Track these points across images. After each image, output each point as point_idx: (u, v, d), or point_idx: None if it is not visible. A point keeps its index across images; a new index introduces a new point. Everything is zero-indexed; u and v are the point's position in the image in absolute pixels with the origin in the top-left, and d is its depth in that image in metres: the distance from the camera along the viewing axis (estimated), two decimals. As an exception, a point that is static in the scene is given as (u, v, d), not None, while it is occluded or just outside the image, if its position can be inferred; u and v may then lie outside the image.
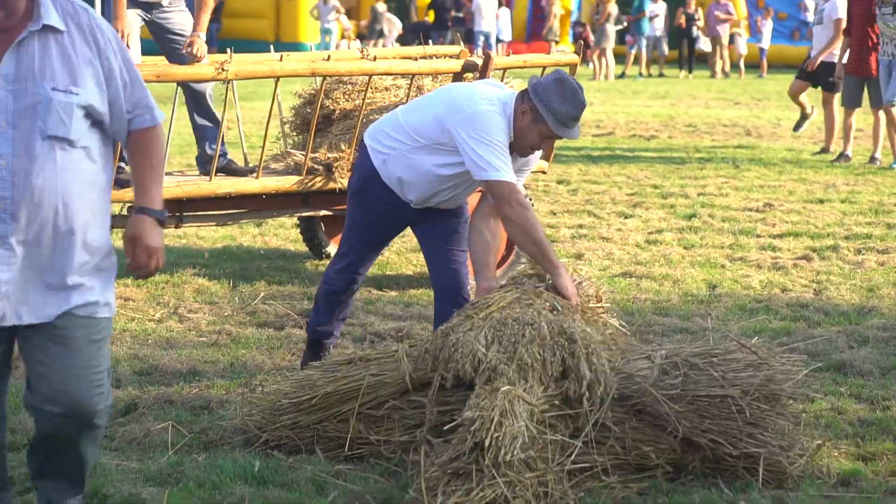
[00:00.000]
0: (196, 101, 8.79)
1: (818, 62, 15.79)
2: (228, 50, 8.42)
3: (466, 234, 6.29)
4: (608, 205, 12.30)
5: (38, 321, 4.23)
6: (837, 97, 15.73)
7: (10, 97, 4.09)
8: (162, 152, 4.41)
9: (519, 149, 6.05)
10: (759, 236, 10.75)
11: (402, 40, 32.83)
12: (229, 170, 8.72)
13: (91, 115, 4.21)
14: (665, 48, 33.74)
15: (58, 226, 4.16)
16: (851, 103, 15.37)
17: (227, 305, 8.26)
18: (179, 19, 8.81)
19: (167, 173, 8.55)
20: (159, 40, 8.87)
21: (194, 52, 8.50)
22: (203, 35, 8.63)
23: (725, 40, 32.99)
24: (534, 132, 5.97)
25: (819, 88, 16.11)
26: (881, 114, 15.00)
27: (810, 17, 15.45)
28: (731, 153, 16.34)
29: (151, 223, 4.36)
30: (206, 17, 8.67)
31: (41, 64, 4.12)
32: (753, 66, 33.72)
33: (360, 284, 6.58)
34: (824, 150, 16.12)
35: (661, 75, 32.93)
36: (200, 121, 8.83)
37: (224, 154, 8.75)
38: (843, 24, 15.47)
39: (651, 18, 32.97)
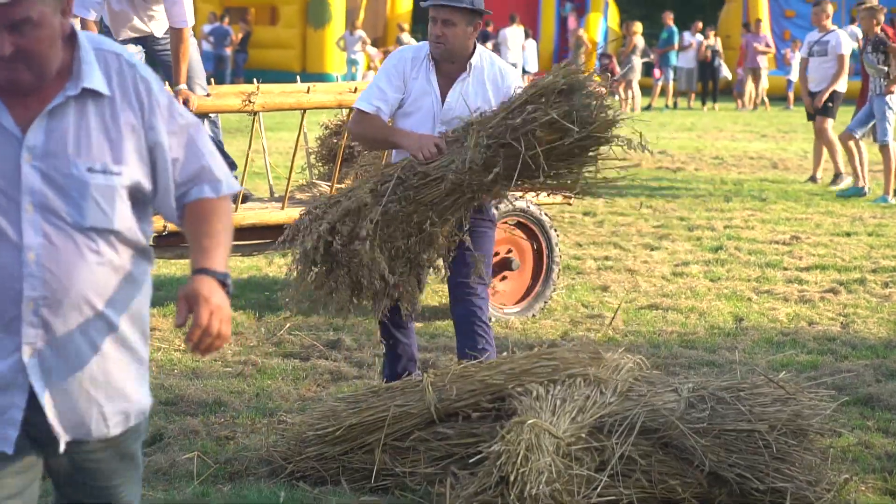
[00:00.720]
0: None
1: (825, 97, 15.77)
2: (255, 81, 8.46)
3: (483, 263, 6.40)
4: (634, 237, 12.28)
5: (92, 438, 3.38)
6: (830, 122, 15.86)
7: (36, 175, 3.22)
8: (225, 223, 3.48)
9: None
10: (785, 269, 10.71)
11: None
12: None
13: (137, 195, 3.37)
14: (694, 81, 33.75)
15: (97, 328, 3.32)
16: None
17: (253, 336, 8.27)
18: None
19: None
20: (164, 71, 8.87)
21: (191, 108, 8.23)
22: (184, 86, 8.46)
23: (764, 73, 32.95)
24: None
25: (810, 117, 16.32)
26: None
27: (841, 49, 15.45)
28: (757, 186, 16.31)
29: (212, 282, 3.38)
30: (185, 68, 8.50)
31: (76, 137, 3.27)
32: (779, 98, 33.66)
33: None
34: (812, 179, 16.39)
35: (688, 108, 32.90)
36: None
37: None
38: (847, 60, 15.52)
39: (685, 48, 32.88)
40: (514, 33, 34.55)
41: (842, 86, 15.84)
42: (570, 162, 6.18)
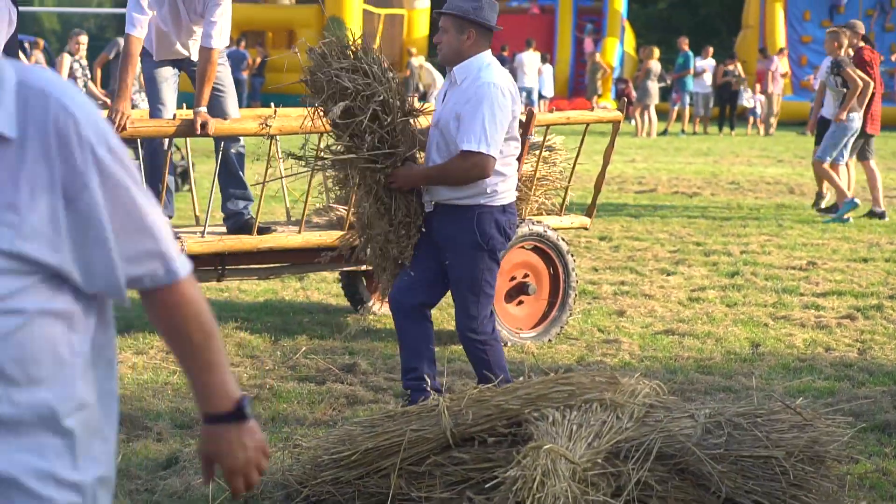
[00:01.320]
0: (225, 157, 8.77)
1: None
2: (272, 105, 8.47)
3: (461, 273, 6.79)
4: (650, 262, 12.26)
5: None
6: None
7: None
8: (201, 322, 2.71)
9: None
10: (802, 295, 10.69)
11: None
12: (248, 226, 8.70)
13: (34, 269, 2.49)
14: (710, 106, 33.73)
15: None
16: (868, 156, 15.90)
17: (269, 359, 8.27)
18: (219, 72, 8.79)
19: (209, 231, 8.58)
20: None
21: (209, 132, 8.33)
22: (204, 109, 8.42)
23: (776, 98, 32.94)
24: None
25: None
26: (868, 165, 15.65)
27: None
28: (774, 211, 16.29)
29: (228, 430, 2.79)
30: (208, 91, 8.47)
31: None
32: (796, 123, 33.63)
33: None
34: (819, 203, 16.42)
35: (704, 132, 32.90)
36: (224, 177, 8.82)
37: (243, 212, 8.73)
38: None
39: (699, 74, 32.88)
40: (530, 58, 34.65)
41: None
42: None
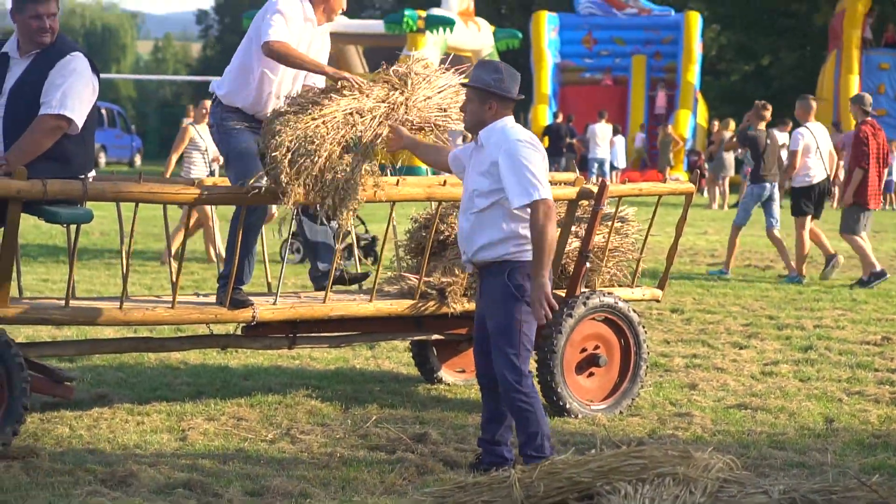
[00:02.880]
0: (310, 218, 8.84)
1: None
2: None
3: (508, 334, 7.05)
4: (723, 335, 12.19)
5: None
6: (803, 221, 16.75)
7: None
8: None
9: None
10: (876, 370, 10.58)
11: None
12: (344, 280, 8.78)
13: None
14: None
15: None
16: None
17: (340, 428, 8.27)
18: None
19: (283, 294, 8.65)
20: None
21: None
22: None
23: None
24: None
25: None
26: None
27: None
28: (847, 285, 16.15)
29: None
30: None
31: None
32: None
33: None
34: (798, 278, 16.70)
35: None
36: (313, 237, 8.88)
37: (337, 268, 8.78)
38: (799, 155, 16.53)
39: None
40: (602, 129, 34.76)
41: (799, 181, 16.77)
42: None
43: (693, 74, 39.83)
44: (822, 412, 9.03)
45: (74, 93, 7.58)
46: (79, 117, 7.60)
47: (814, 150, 16.62)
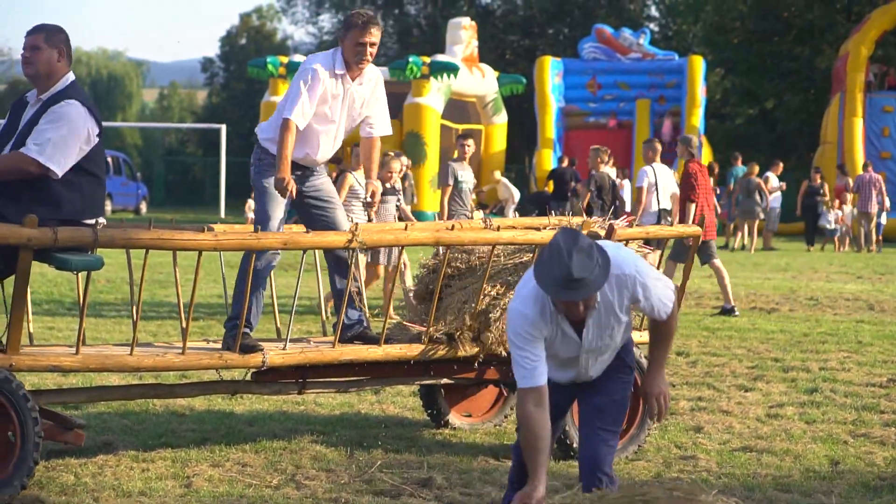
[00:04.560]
0: (338, 266, 8.88)
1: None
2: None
3: (616, 411, 6.46)
4: (728, 377, 12.18)
5: None
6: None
7: None
8: None
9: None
10: (882, 412, 10.57)
11: (521, 210, 33.14)
12: (365, 337, 8.79)
13: None
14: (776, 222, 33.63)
15: None
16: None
17: (344, 472, 8.28)
18: (326, 185, 8.97)
19: (292, 339, 8.66)
20: (300, 205, 8.97)
21: (377, 201, 8.93)
22: (378, 183, 8.92)
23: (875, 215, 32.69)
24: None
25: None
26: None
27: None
28: (853, 327, 16.15)
29: None
30: (376, 166, 8.93)
31: None
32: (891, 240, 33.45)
33: None
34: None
35: (771, 248, 32.58)
36: (341, 285, 8.90)
37: (360, 321, 8.82)
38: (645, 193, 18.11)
39: (774, 190, 32.71)
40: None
41: (646, 219, 17.91)
42: None
43: (697, 118, 39.92)
44: (828, 454, 9.02)
45: (58, 140, 7.65)
46: (57, 164, 7.65)
47: (654, 188, 18.19)
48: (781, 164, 34.42)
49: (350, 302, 8.82)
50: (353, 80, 8.70)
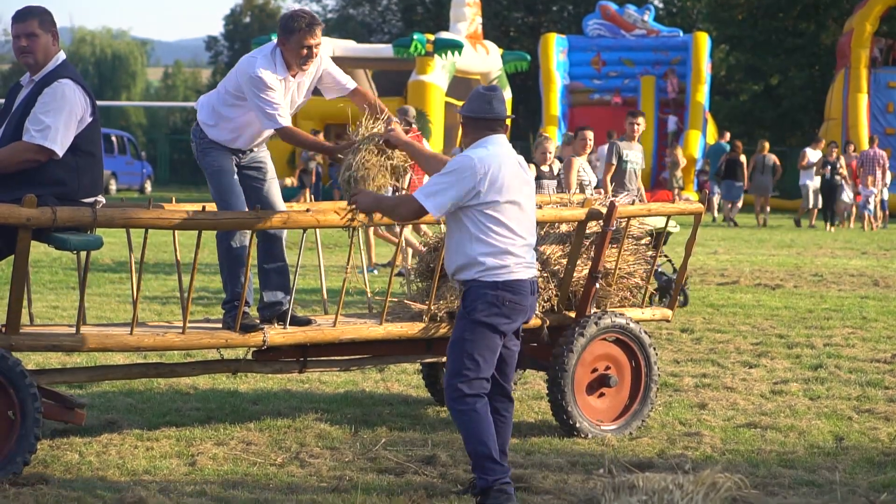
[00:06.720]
0: (269, 244, 8.70)
1: None
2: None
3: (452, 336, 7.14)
4: (732, 354, 12.18)
5: None
6: None
7: None
8: None
9: None
10: (887, 388, 10.56)
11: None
12: (294, 319, 8.62)
13: None
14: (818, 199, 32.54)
15: None
16: None
17: (349, 451, 8.28)
18: (265, 159, 8.74)
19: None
20: (241, 179, 8.68)
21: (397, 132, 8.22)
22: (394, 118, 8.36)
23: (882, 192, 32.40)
24: None
25: None
26: None
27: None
28: (858, 303, 16.14)
29: None
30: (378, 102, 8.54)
31: None
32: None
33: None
34: None
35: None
36: (270, 266, 8.74)
37: (282, 302, 8.62)
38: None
39: (810, 167, 31.72)
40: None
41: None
42: None
43: (702, 95, 39.86)
44: (832, 430, 9.02)
45: (57, 121, 7.64)
46: (59, 146, 7.64)
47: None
48: (823, 142, 33.38)
49: (278, 282, 8.64)
50: (293, 77, 8.50)
